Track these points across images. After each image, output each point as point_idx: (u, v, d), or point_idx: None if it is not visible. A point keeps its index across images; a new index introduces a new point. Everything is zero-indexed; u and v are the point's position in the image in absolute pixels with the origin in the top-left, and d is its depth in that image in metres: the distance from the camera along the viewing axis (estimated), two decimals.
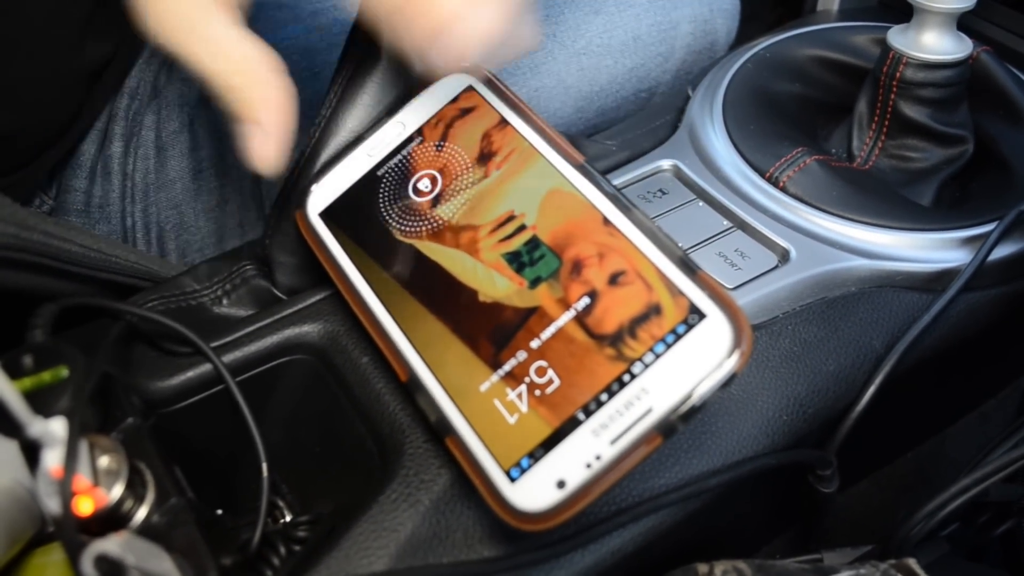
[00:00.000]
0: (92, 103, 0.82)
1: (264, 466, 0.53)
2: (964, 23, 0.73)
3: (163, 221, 0.83)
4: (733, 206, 0.68)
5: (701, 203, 0.70)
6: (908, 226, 0.66)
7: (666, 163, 0.73)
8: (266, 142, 0.54)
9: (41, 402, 0.43)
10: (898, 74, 0.72)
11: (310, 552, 0.50)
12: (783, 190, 0.69)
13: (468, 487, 0.50)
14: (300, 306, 0.59)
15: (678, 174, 0.73)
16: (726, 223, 0.68)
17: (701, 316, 0.44)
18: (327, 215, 0.57)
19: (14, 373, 0.45)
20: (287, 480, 0.60)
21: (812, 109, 0.82)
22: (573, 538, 0.49)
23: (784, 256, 0.64)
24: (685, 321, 0.44)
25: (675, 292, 0.45)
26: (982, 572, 0.66)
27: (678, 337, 0.44)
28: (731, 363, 0.42)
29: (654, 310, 0.45)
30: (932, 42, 0.71)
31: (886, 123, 0.75)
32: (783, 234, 0.65)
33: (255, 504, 0.52)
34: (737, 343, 0.42)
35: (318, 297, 0.60)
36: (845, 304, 0.62)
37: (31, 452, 0.43)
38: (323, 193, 0.58)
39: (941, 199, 0.75)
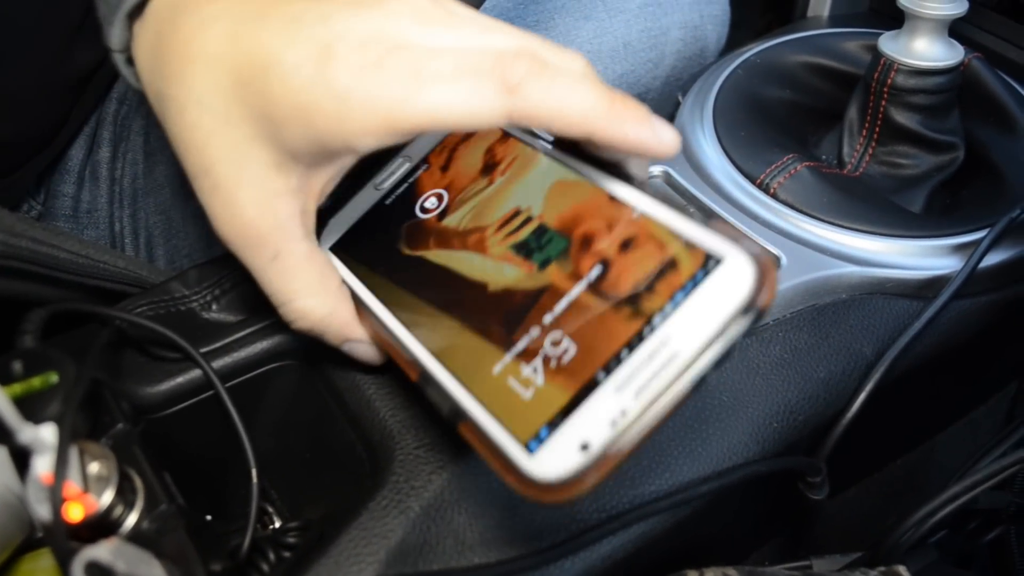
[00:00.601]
0: (80, 108, 0.82)
1: (254, 472, 0.53)
2: (955, 29, 0.73)
3: (151, 226, 0.83)
4: (724, 212, 0.68)
5: (692, 210, 0.70)
6: (899, 233, 0.66)
7: (656, 169, 0.73)
8: (367, 351, 0.55)
9: (31, 408, 0.43)
10: (889, 80, 0.72)
11: (300, 559, 0.49)
12: (774, 197, 0.69)
13: (459, 494, 0.50)
14: None
15: (668, 180, 0.73)
16: None
17: (719, 261, 0.42)
18: (338, 248, 0.57)
19: (3, 379, 0.45)
20: (277, 486, 0.60)
21: (802, 115, 0.83)
22: (563, 544, 0.49)
23: (775, 263, 0.64)
24: (703, 267, 0.42)
25: (689, 245, 0.43)
26: None
27: (697, 284, 0.42)
28: (757, 299, 0.40)
29: (669, 265, 0.43)
30: (923, 48, 0.71)
31: (877, 129, 0.75)
32: (774, 241, 0.65)
33: (245, 510, 0.51)
34: (761, 279, 0.40)
35: None
36: (836, 311, 0.62)
37: (21, 458, 0.43)
38: (333, 228, 0.58)
39: (932, 206, 0.75)
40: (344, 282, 0.54)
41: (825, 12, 0.98)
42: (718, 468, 0.54)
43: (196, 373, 0.56)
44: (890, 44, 0.73)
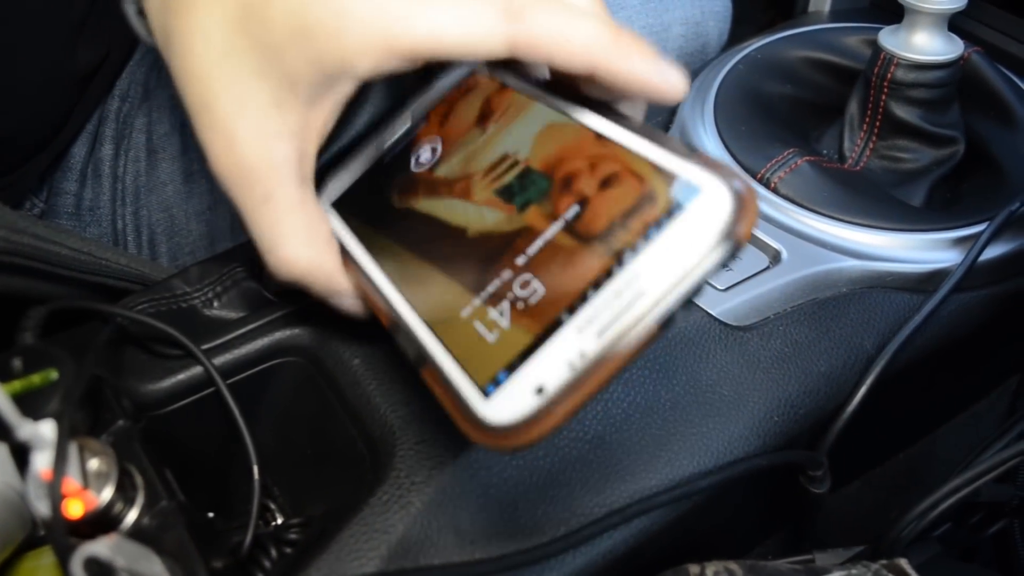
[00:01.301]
0: (83, 106, 0.82)
1: (255, 468, 0.53)
2: (955, 24, 0.73)
3: (154, 224, 0.83)
4: None
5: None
6: (899, 227, 0.66)
7: None
8: (352, 304, 0.54)
9: (30, 405, 0.43)
10: (889, 75, 0.72)
11: (301, 554, 0.50)
12: (774, 191, 0.69)
13: (460, 488, 0.50)
14: (291, 308, 0.59)
15: None
16: None
17: (696, 192, 0.39)
18: (337, 204, 0.57)
19: (3, 376, 0.45)
20: (278, 483, 0.60)
21: (803, 110, 0.83)
22: (564, 539, 0.49)
23: (775, 257, 0.64)
24: (680, 199, 0.39)
25: (669, 177, 0.41)
26: (974, 572, 0.66)
27: (672, 217, 0.39)
28: (733, 230, 0.37)
29: (647, 199, 0.41)
30: (923, 43, 0.71)
31: (877, 124, 0.75)
32: (774, 235, 0.65)
33: (246, 507, 0.52)
34: (739, 209, 0.38)
35: (309, 299, 0.60)
36: (836, 305, 0.62)
37: (21, 455, 0.43)
38: (334, 185, 0.58)
39: (932, 200, 0.75)
40: (333, 234, 0.54)
41: (826, 7, 0.98)
42: (719, 462, 0.54)
43: (197, 370, 0.56)
44: (890, 39, 0.73)
